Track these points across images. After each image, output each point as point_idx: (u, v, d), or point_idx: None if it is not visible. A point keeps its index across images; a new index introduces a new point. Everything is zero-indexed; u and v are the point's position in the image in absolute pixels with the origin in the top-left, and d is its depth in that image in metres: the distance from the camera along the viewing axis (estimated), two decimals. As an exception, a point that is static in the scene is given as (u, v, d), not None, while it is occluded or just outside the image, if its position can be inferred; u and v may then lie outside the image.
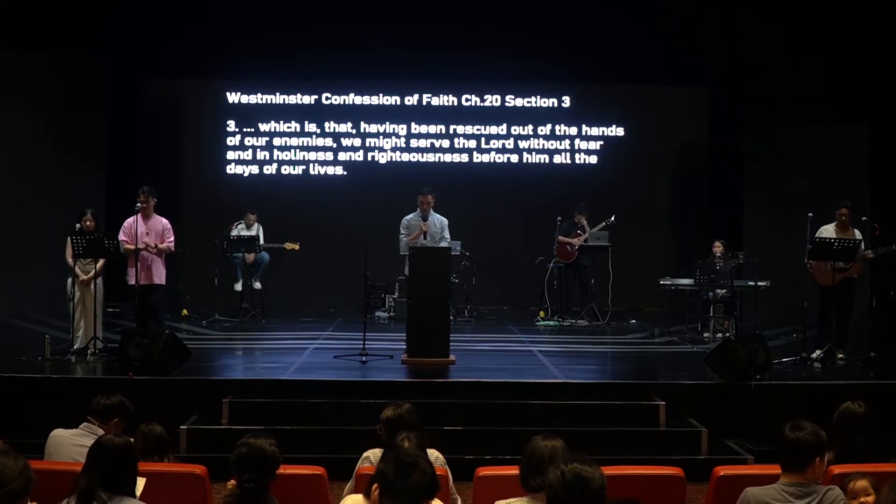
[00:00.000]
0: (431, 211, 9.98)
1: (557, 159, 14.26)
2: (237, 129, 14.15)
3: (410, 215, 10.09)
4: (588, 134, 14.27)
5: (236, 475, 3.54)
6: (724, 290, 10.48)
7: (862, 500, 3.87)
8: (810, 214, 8.84)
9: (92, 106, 12.90)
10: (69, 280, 8.52)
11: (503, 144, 14.26)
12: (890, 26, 11.93)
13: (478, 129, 14.25)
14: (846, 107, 12.45)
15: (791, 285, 9.67)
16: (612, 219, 11.86)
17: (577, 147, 14.29)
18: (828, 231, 8.86)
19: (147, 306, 8.79)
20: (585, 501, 2.78)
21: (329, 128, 14.19)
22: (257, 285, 11.91)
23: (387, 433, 4.37)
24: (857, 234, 8.86)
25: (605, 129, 14.27)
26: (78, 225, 8.48)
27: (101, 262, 8.58)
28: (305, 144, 14.19)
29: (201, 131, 14.25)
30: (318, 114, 14.19)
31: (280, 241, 11.95)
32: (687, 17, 13.22)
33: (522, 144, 14.26)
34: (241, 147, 14.16)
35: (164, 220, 8.97)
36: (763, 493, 3.72)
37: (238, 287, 11.84)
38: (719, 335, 9.98)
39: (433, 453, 4.37)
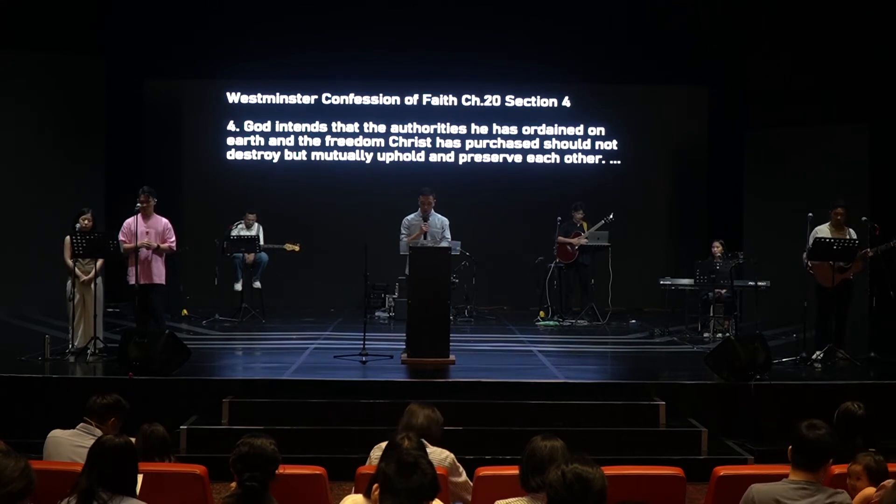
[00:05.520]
0: (432, 211, 9.97)
1: (557, 159, 14.26)
2: (237, 129, 14.15)
3: (411, 215, 10.08)
4: (588, 133, 14.27)
5: (236, 474, 3.54)
6: (724, 290, 10.49)
7: (852, 482, 3.89)
8: (810, 214, 8.84)
9: (92, 106, 12.92)
10: (69, 280, 8.52)
11: (503, 144, 14.26)
12: (890, 26, 11.93)
13: (477, 129, 14.26)
14: (846, 107, 12.46)
15: (791, 285, 9.67)
16: (612, 216, 11.86)
17: (577, 147, 14.29)
18: (823, 231, 8.85)
19: (147, 306, 8.79)
20: (586, 502, 2.78)
21: (329, 128, 14.20)
22: (257, 285, 11.91)
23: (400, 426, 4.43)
24: (853, 234, 8.86)
25: (605, 128, 14.28)
26: (77, 225, 8.47)
27: (100, 262, 8.58)
28: (305, 144, 14.20)
29: (201, 131, 14.25)
30: (319, 114, 14.20)
31: (280, 242, 11.95)
32: (687, 16, 13.22)
33: (522, 144, 14.26)
34: (242, 147, 14.16)
35: (165, 220, 8.97)
36: (770, 489, 3.71)
37: (238, 287, 11.84)
38: (719, 335, 9.97)
39: (443, 452, 4.41)
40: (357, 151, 14.24)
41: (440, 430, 4.54)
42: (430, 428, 4.45)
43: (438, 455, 4.37)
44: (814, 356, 8.54)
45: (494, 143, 14.28)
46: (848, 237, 8.74)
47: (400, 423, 4.53)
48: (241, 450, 3.56)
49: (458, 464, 4.47)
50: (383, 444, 4.32)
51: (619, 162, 14.28)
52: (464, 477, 4.45)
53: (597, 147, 14.30)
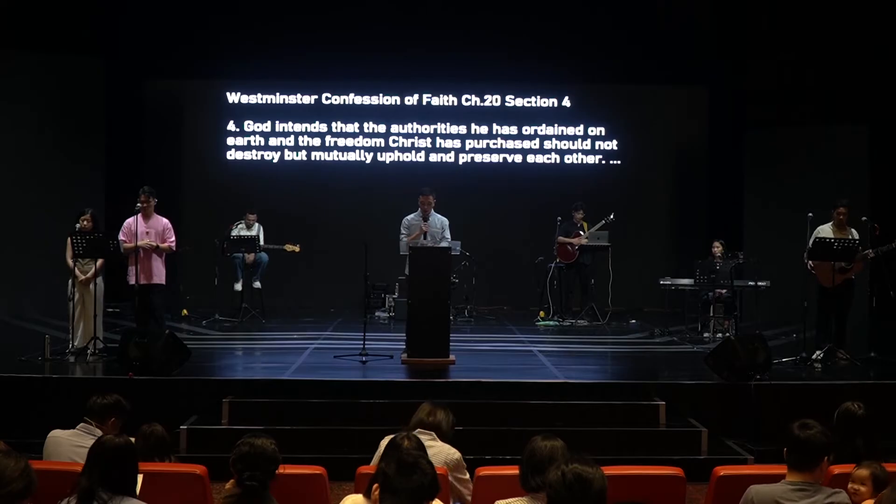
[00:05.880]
0: (432, 211, 9.97)
1: (557, 159, 14.26)
2: (237, 129, 14.15)
3: (411, 215, 10.08)
4: (588, 133, 14.27)
5: (236, 474, 3.54)
6: (724, 290, 10.48)
7: (855, 486, 3.88)
8: (810, 214, 8.84)
9: (92, 106, 12.92)
10: (69, 280, 8.52)
11: (503, 144, 14.26)
12: (890, 26, 11.93)
13: (477, 129, 14.26)
14: (846, 107, 12.46)
15: (791, 285, 9.67)
16: (612, 217, 11.86)
17: (577, 147, 14.29)
18: (825, 231, 8.86)
19: (147, 306, 8.79)
20: (586, 502, 2.78)
21: (329, 128, 14.20)
22: (257, 285, 11.91)
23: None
24: (855, 234, 8.87)
25: (604, 128, 14.28)
26: (77, 225, 8.47)
27: (100, 262, 8.58)
28: (305, 144, 14.20)
29: (201, 131, 14.25)
30: (319, 114, 14.20)
31: (280, 242, 11.96)
32: (687, 16, 13.22)
33: (523, 144, 14.26)
34: (242, 147, 14.16)
35: (165, 220, 8.97)
36: (769, 490, 3.71)
37: (238, 287, 11.84)
38: (719, 335, 9.98)
39: (451, 448, 4.47)
40: (357, 151, 14.24)
41: (452, 431, 4.63)
42: (441, 425, 4.56)
43: (447, 450, 4.45)
44: (814, 356, 8.54)
45: (494, 143, 14.27)
46: (850, 237, 8.74)
47: (413, 418, 4.61)
48: (241, 449, 3.57)
49: (463, 462, 4.51)
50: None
51: (619, 162, 14.28)
52: (467, 475, 4.49)
53: (597, 147, 14.30)
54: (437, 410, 4.63)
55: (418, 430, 4.50)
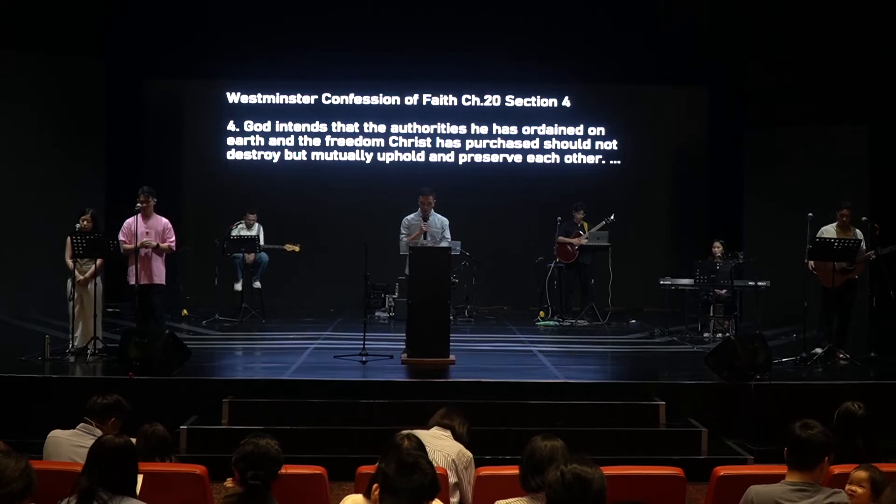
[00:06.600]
0: (432, 211, 9.97)
1: (558, 159, 14.26)
2: (237, 129, 14.15)
3: (411, 215, 10.08)
4: (588, 133, 14.27)
5: (238, 472, 3.54)
6: (724, 290, 10.48)
7: (852, 487, 3.87)
8: (810, 214, 8.84)
9: (92, 106, 12.92)
10: (69, 280, 8.52)
11: (503, 144, 14.26)
12: (890, 26, 11.93)
13: (477, 129, 14.26)
14: (846, 107, 12.46)
15: (791, 285, 9.67)
16: (612, 217, 11.86)
17: (577, 147, 14.29)
18: (829, 231, 8.88)
19: (147, 306, 8.79)
20: (585, 502, 2.78)
21: (329, 128, 14.20)
22: (257, 285, 11.91)
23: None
24: (859, 234, 8.87)
25: (604, 128, 14.28)
26: (77, 225, 8.48)
27: (98, 262, 8.58)
28: (305, 144, 14.20)
29: (201, 131, 14.25)
30: (319, 114, 14.20)
31: (281, 242, 11.96)
32: (686, 16, 13.22)
33: (522, 144, 14.26)
34: (242, 147, 14.17)
35: (165, 220, 8.97)
36: (769, 491, 3.71)
37: (238, 287, 11.84)
38: (719, 335, 9.98)
39: (461, 447, 4.56)
40: (357, 151, 14.24)
41: (468, 437, 4.74)
42: (455, 428, 4.68)
43: (462, 448, 4.55)
44: (813, 352, 8.54)
45: (494, 143, 14.28)
46: (854, 238, 8.74)
47: (433, 417, 4.74)
48: (245, 448, 3.57)
49: (473, 464, 4.57)
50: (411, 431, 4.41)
51: (619, 162, 14.28)
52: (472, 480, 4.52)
53: (597, 147, 14.30)
54: (453, 414, 4.73)
55: (436, 426, 4.62)
